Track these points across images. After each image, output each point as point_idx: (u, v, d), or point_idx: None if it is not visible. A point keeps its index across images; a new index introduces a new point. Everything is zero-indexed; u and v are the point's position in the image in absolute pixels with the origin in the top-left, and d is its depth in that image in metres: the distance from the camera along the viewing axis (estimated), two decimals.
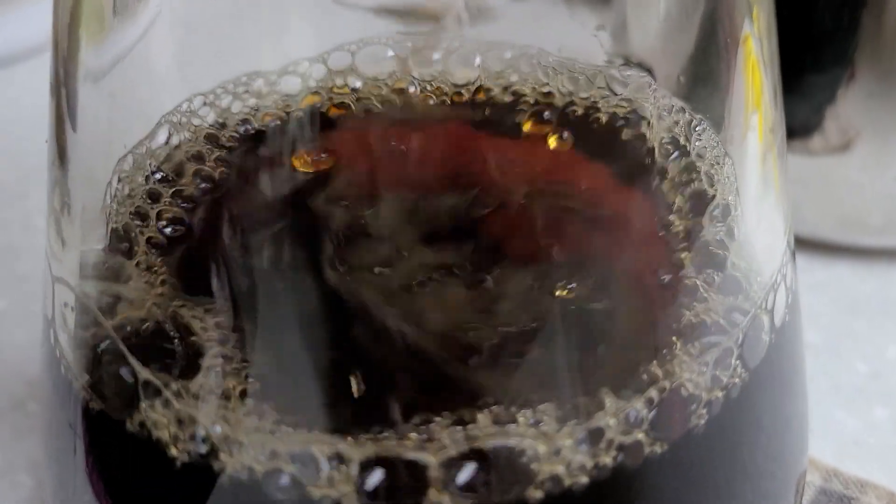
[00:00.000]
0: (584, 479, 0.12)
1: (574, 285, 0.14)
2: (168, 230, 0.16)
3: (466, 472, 0.12)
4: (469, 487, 0.12)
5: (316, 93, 0.19)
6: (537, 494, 0.12)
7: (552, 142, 0.18)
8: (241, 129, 0.18)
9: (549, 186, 0.16)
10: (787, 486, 0.17)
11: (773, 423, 0.15)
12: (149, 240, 0.15)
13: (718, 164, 0.16)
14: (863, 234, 0.30)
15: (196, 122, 0.18)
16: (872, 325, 0.28)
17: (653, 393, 0.12)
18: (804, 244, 0.31)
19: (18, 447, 0.25)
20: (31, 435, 0.25)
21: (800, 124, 0.30)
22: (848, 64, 0.28)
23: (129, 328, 0.13)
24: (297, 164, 0.17)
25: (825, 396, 0.26)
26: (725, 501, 0.15)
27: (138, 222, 0.16)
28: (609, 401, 0.12)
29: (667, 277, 0.14)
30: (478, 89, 0.19)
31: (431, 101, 0.19)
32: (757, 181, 0.15)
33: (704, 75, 0.16)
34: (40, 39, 0.44)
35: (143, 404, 0.13)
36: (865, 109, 0.28)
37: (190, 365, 0.13)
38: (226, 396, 0.13)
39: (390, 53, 0.20)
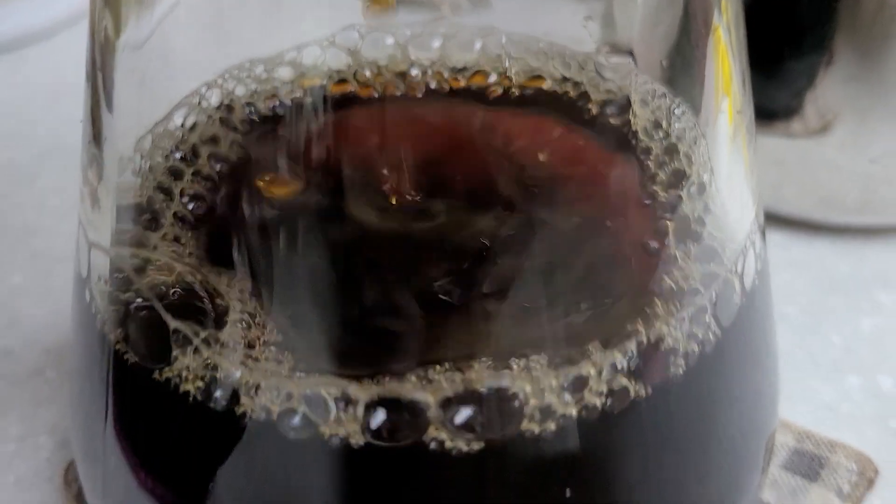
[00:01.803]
0: (574, 419, 0.14)
1: (568, 251, 0.15)
2: (187, 202, 0.17)
3: (462, 411, 0.13)
4: (464, 425, 0.13)
5: (323, 76, 0.20)
6: (527, 433, 0.14)
7: (546, 122, 0.20)
8: (250, 111, 0.19)
9: (545, 162, 0.18)
10: (758, 441, 0.18)
11: (744, 380, 0.17)
12: (170, 208, 0.17)
13: (695, 144, 0.17)
14: (841, 213, 0.31)
15: (212, 103, 0.19)
16: (848, 300, 0.29)
17: (636, 344, 0.14)
18: (785, 223, 0.32)
19: (39, 412, 0.26)
20: (50, 401, 0.26)
21: (781, 108, 0.31)
22: (826, 49, 0.29)
23: (160, 287, 0.15)
24: (304, 142, 0.18)
25: (802, 366, 0.27)
26: (701, 448, 0.16)
27: (161, 195, 0.17)
28: (596, 350, 0.14)
29: (650, 245, 0.15)
30: (475, 73, 0.21)
31: (432, 83, 0.21)
32: (728, 160, 0.16)
33: (683, 63, 0.17)
34: (49, 24, 0.45)
35: (174, 353, 0.14)
36: (843, 92, 0.29)
37: (214, 318, 0.14)
38: (247, 345, 0.14)
39: (390, 41, 0.21)
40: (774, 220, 0.32)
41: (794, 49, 0.29)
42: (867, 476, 0.23)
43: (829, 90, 0.29)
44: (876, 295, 0.29)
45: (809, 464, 0.23)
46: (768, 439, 0.19)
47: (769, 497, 0.22)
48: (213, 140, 0.19)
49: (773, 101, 0.31)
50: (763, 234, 0.18)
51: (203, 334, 0.14)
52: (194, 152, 0.18)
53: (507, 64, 0.21)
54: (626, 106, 0.19)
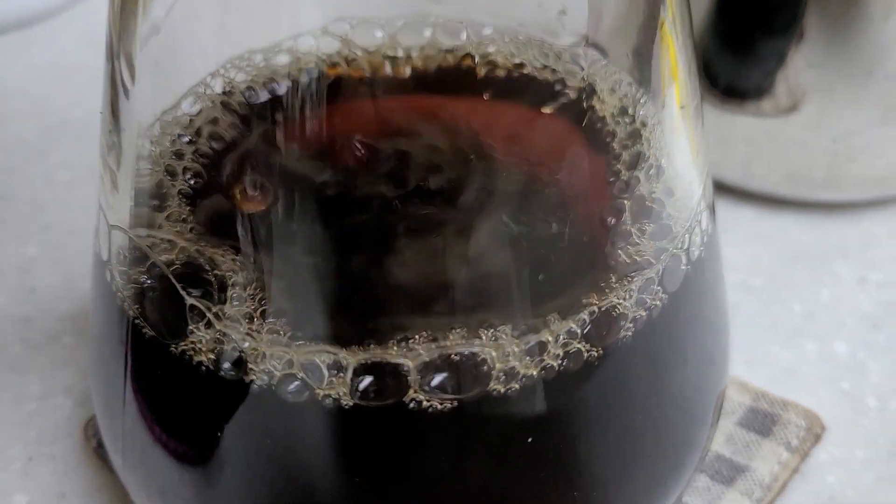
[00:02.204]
0: (535, 380, 0.16)
1: (531, 228, 0.17)
2: (194, 184, 0.19)
3: (437, 374, 0.15)
4: (439, 386, 0.15)
5: (317, 60, 0.22)
6: (494, 392, 0.16)
7: (518, 107, 0.21)
8: (249, 95, 0.21)
9: (515, 145, 0.19)
10: (708, 398, 0.20)
11: (693, 342, 0.19)
12: (180, 192, 0.19)
13: (654, 129, 0.19)
14: (807, 188, 0.33)
15: (215, 90, 0.21)
16: (810, 271, 0.31)
17: (588, 312, 0.16)
18: (754, 198, 0.34)
19: (57, 374, 0.28)
20: (67, 364, 0.28)
21: (752, 88, 0.32)
22: (797, 28, 0.30)
23: (174, 266, 0.17)
24: (299, 120, 0.20)
25: (763, 332, 0.29)
26: (653, 404, 0.18)
27: (170, 178, 0.19)
28: (554, 319, 0.16)
29: (605, 221, 0.17)
30: (463, 56, 0.23)
31: (419, 66, 0.22)
32: (677, 143, 0.18)
33: (643, 54, 0.19)
34: (54, 2, 0.46)
35: (189, 327, 0.16)
36: (811, 72, 0.31)
37: (224, 294, 0.16)
38: (252, 318, 0.16)
39: (379, 34, 0.23)
40: (744, 195, 0.34)
41: (765, 28, 0.31)
42: (814, 432, 0.25)
43: (799, 70, 0.31)
44: (836, 267, 0.31)
45: (763, 421, 0.25)
46: (718, 396, 0.21)
47: (724, 451, 0.24)
48: (216, 123, 0.20)
49: (745, 81, 0.33)
50: (712, 209, 0.19)
51: (214, 309, 0.16)
52: (201, 136, 0.20)
53: (489, 50, 0.23)
54: (593, 93, 0.21)
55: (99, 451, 0.25)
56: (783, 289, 0.31)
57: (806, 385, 0.27)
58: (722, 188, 0.34)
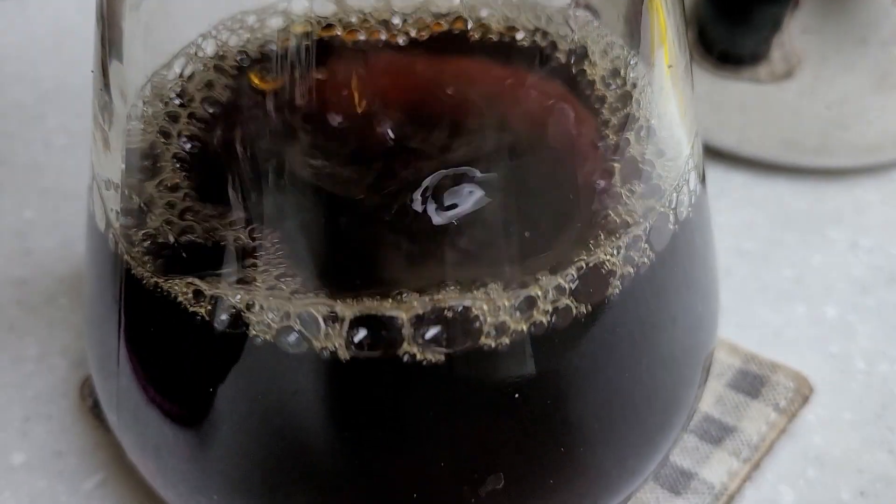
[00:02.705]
0: (525, 334, 0.16)
1: (521, 186, 0.17)
2: (185, 143, 0.19)
3: (429, 327, 0.16)
4: (432, 339, 0.16)
5: (307, 23, 0.22)
6: (485, 346, 0.16)
7: (512, 68, 0.22)
8: (240, 58, 0.21)
9: (505, 109, 0.20)
10: (696, 358, 0.20)
11: (681, 301, 0.19)
12: (172, 152, 0.19)
13: (644, 90, 0.19)
14: (800, 154, 0.33)
15: (207, 52, 0.21)
16: (802, 236, 0.31)
17: (576, 269, 0.16)
18: (747, 163, 0.34)
19: (53, 335, 0.28)
20: (63, 325, 0.29)
21: (748, 55, 0.32)
22: None
23: (168, 221, 0.17)
24: (291, 83, 0.20)
25: (754, 296, 0.29)
26: (641, 362, 0.19)
27: (162, 138, 0.19)
28: (543, 275, 0.16)
29: (595, 180, 0.18)
30: (455, 19, 0.22)
31: (412, 30, 0.22)
32: (666, 104, 0.18)
33: (634, 17, 0.19)
34: None
35: (185, 280, 0.16)
36: (805, 39, 0.31)
37: (219, 247, 0.16)
38: (248, 272, 0.16)
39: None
40: (738, 161, 0.34)
41: None
42: (802, 393, 0.25)
43: (794, 36, 0.31)
44: (827, 231, 0.32)
45: (752, 382, 0.25)
46: (706, 357, 0.21)
47: (713, 412, 0.25)
48: (209, 85, 0.21)
49: (740, 48, 0.33)
50: (701, 170, 0.19)
51: (211, 262, 0.16)
52: (191, 97, 0.20)
53: (482, 13, 0.23)
54: (585, 55, 0.21)
55: (95, 411, 0.25)
56: (775, 253, 0.31)
57: (796, 348, 0.28)
58: (716, 154, 0.34)
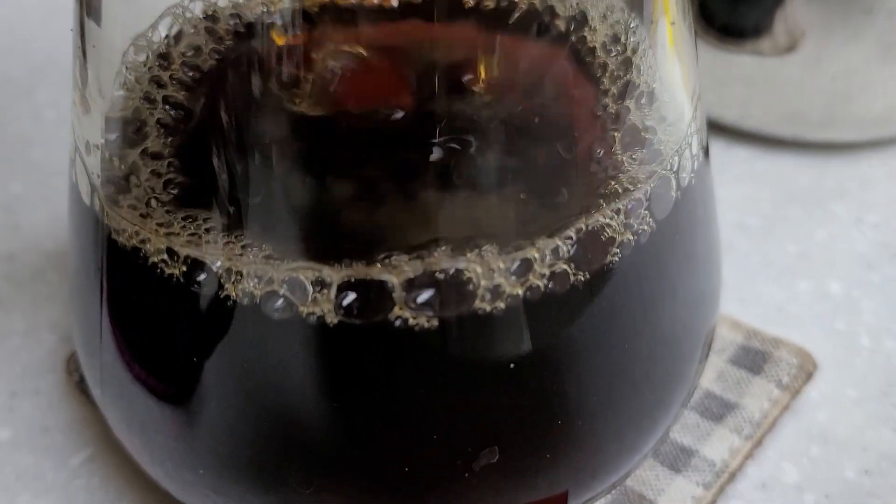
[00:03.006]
0: (519, 299, 0.15)
1: (523, 151, 0.17)
2: (169, 109, 0.18)
3: (422, 291, 0.15)
4: (424, 304, 0.15)
5: None
6: (479, 311, 0.15)
7: (511, 34, 0.21)
8: (232, 22, 0.21)
9: (502, 71, 0.19)
10: (697, 332, 0.20)
11: (682, 273, 0.18)
12: (158, 120, 0.18)
13: (645, 56, 0.18)
14: (804, 128, 0.33)
15: (192, 14, 0.21)
16: (805, 211, 0.31)
17: (574, 231, 0.15)
18: (750, 138, 0.34)
19: (41, 310, 0.28)
20: (51, 300, 0.28)
21: (750, 26, 0.32)
22: None
23: (149, 187, 0.16)
24: (281, 45, 0.19)
25: (757, 271, 0.29)
26: (640, 333, 0.18)
27: (148, 104, 0.18)
28: (540, 238, 0.15)
29: (595, 143, 0.17)
30: None
31: None
32: (668, 68, 0.18)
33: None
34: None
35: (167, 246, 0.16)
36: (811, 7, 0.30)
37: (196, 208, 0.16)
38: (232, 237, 0.16)
39: None
40: (740, 135, 0.34)
41: None
42: (806, 369, 0.25)
43: (798, 7, 0.30)
44: (832, 206, 0.31)
45: (754, 358, 0.25)
46: (707, 333, 0.20)
47: (715, 388, 0.24)
48: (195, 49, 0.20)
49: (743, 20, 0.32)
50: (704, 138, 0.19)
51: (191, 228, 0.16)
52: (174, 61, 0.19)
53: None
54: (587, 20, 0.20)
55: (81, 386, 0.25)
56: (778, 228, 0.30)
57: (799, 324, 0.27)
58: (718, 128, 0.34)
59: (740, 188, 0.32)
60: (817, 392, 0.25)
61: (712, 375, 0.25)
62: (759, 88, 0.32)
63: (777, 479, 0.23)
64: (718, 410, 0.24)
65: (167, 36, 0.20)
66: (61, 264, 0.29)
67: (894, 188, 0.32)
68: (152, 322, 0.18)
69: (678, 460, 0.23)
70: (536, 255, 0.15)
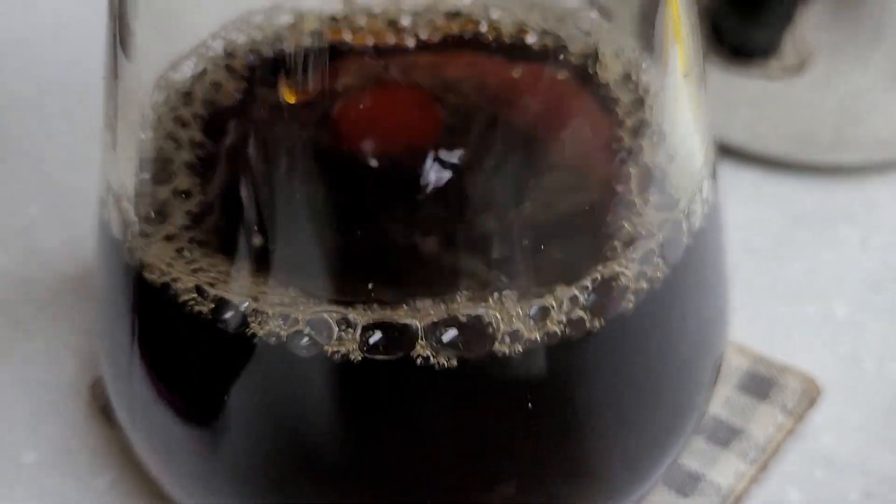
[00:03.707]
0: (538, 343, 0.16)
1: (536, 198, 0.17)
2: (195, 149, 0.19)
3: (444, 335, 0.16)
4: (446, 347, 0.16)
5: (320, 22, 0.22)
6: (499, 354, 0.16)
7: (523, 70, 0.21)
8: (249, 59, 0.21)
9: (518, 115, 0.19)
10: (706, 363, 0.20)
11: (692, 310, 0.19)
12: (185, 161, 0.19)
13: (657, 96, 0.19)
14: (812, 151, 0.33)
15: (215, 51, 0.21)
16: (813, 234, 0.31)
17: (591, 281, 0.16)
18: (759, 160, 0.34)
19: (62, 334, 0.28)
20: (71, 324, 0.29)
21: (759, 48, 0.32)
22: None
23: (179, 224, 0.17)
24: (300, 85, 0.20)
25: (764, 294, 0.29)
26: (652, 371, 0.19)
27: (172, 144, 0.19)
28: (558, 286, 0.16)
29: (609, 191, 0.17)
30: (466, 19, 0.22)
31: (421, 31, 0.22)
32: (680, 110, 0.18)
33: (648, 18, 0.19)
34: None
35: (197, 285, 0.16)
36: (820, 30, 0.30)
37: (229, 256, 0.16)
38: (261, 278, 0.16)
39: None
40: (748, 157, 0.34)
41: None
42: (810, 395, 0.25)
43: (806, 30, 0.30)
44: (839, 229, 0.31)
45: (760, 384, 0.25)
46: (716, 361, 0.21)
47: (722, 414, 0.25)
48: (217, 88, 0.20)
49: (752, 42, 0.32)
50: (714, 176, 0.19)
51: (221, 267, 0.16)
52: (197, 100, 0.20)
53: (493, 15, 0.22)
54: (599, 57, 0.20)
55: (105, 410, 0.25)
56: (785, 251, 0.31)
57: (804, 346, 0.28)
58: (726, 150, 0.34)
59: (747, 210, 0.32)
60: (821, 416, 0.26)
61: (719, 401, 0.25)
62: (767, 111, 0.33)
63: (781, 502, 0.24)
64: (725, 436, 0.24)
65: (191, 75, 0.20)
66: (81, 287, 0.30)
67: None
68: (182, 355, 0.18)
69: (686, 485, 0.23)
70: (554, 303, 0.16)
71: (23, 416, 0.26)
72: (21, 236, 0.32)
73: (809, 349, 0.27)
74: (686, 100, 0.18)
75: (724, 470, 0.24)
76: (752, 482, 0.24)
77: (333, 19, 0.22)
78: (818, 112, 0.32)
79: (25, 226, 0.32)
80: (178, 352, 0.18)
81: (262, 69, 0.21)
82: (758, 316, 0.28)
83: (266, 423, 0.18)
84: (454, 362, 0.16)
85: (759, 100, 0.33)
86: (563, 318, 0.16)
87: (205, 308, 0.17)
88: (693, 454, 0.24)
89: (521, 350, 0.16)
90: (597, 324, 0.16)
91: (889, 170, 0.33)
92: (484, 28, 0.22)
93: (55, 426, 0.26)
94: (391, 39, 0.22)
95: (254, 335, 0.16)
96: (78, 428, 0.26)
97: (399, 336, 0.16)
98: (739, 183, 0.33)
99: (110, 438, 0.25)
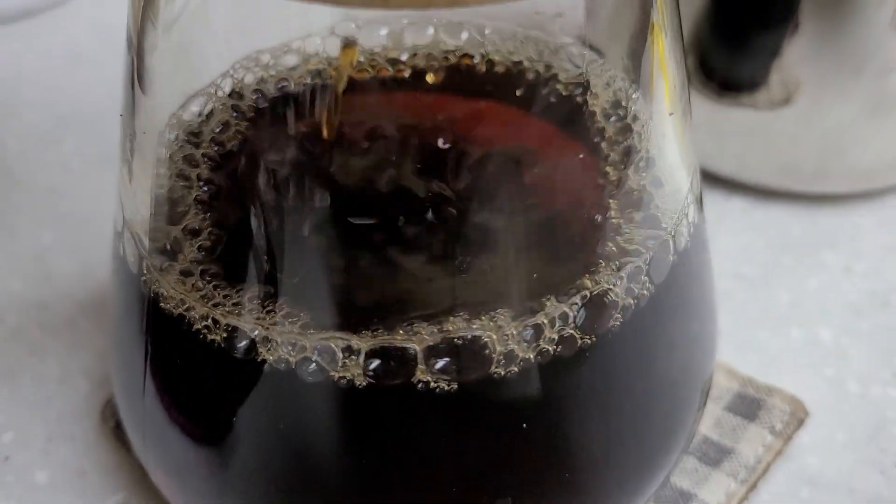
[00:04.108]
0: (531, 362, 0.17)
1: (526, 220, 0.18)
2: (204, 185, 0.20)
3: (442, 356, 0.17)
4: (443, 368, 0.17)
5: (324, 62, 0.23)
6: (494, 374, 0.17)
7: (517, 103, 0.23)
8: (256, 97, 0.22)
9: (510, 143, 0.21)
10: (695, 382, 0.21)
11: (680, 329, 0.20)
12: (196, 198, 0.20)
13: (645, 126, 0.20)
14: (797, 180, 0.34)
15: (224, 91, 0.22)
16: (798, 261, 0.32)
17: (580, 300, 0.17)
18: (746, 189, 0.35)
19: (74, 357, 0.29)
20: (84, 347, 0.29)
21: (746, 81, 0.33)
22: (791, 22, 0.31)
23: (193, 255, 0.18)
24: (308, 122, 0.21)
25: (752, 319, 0.30)
26: (642, 387, 0.20)
27: (183, 182, 0.20)
28: (549, 304, 0.17)
29: (598, 214, 0.19)
30: (463, 55, 0.24)
31: (421, 64, 0.23)
32: (666, 140, 0.19)
33: (636, 54, 0.20)
34: None
35: (210, 314, 0.17)
36: (804, 65, 0.32)
37: (240, 288, 0.17)
38: (269, 308, 0.17)
39: (384, 32, 0.24)
40: (736, 186, 0.35)
41: (760, 23, 0.32)
42: (798, 417, 0.26)
43: (792, 64, 0.32)
44: (823, 256, 0.33)
45: (749, 406, 0.26)
46: (704, 382, 0.22)
47: (712, 434, 0.26)
48: (224, 126, 0.21)
49: (740, 75, 0.34)
50: (699, 201, 0.20)
51: (234, 298, 0.17)
52: (206, 139, 0.21)
53: (488, 48, 0.24)
54: (589, 90, 0.22)
55: (117, 432, 0.26)
56: (772, 277, 0.32)
57: (791, 370, 0.28)
58: (715, 179, 0.35)
59: (737, 238, 0.33)
60: (808, 437, 0.26)
61: (710, 422, 0.26)
62: (754, 141, 0.34)
63: None
64: (715, 455, 0.25)
65: (199, 114, 0.22)
66: (93, 312, 0.31)
67: (883, 238, 0.33)
68: (194, 380, 0.19)
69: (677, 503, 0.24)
70: (546, 321, 0.17)
71: (36, 437, 0.27)
72: (35, 263, 0.33)
73: (796, 372, 0.28)
74: (672, 129, 0.19)
75: (715, 489, 0.24)
76: (742, 501, 0.24)
77: (338, 58, 0.23)
78: (803, 144, 0.33)
79: (39, 253, 0.33)
80: (190, 377, 0.19)
81: (268, 107, 0.22)
82: (747, 340, 0.29)
83: (275, 445, 0.18)
84: (454, 384, 0.17)
85: (747, 131, 0.34)
86: (555, 336, 0.17)
87: (217, 336, 0.18)
88: (685, 473, 0.25)
89: (516, 370, 0.17)
90: (587, 339, 0.17)
91: (872, 198, 0.35)
92: (480, 62, 0.23)
93: (67, 447, 0.26)
94: (392, 75, 0.24)
95: (263, 361, 0.17)
96: (89, 449, 0.26)
97: (400, 358, 0.17)
98: (729, 211, 0.34)
99: (121, 459, 0.26)
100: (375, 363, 0.17)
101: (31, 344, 0.30)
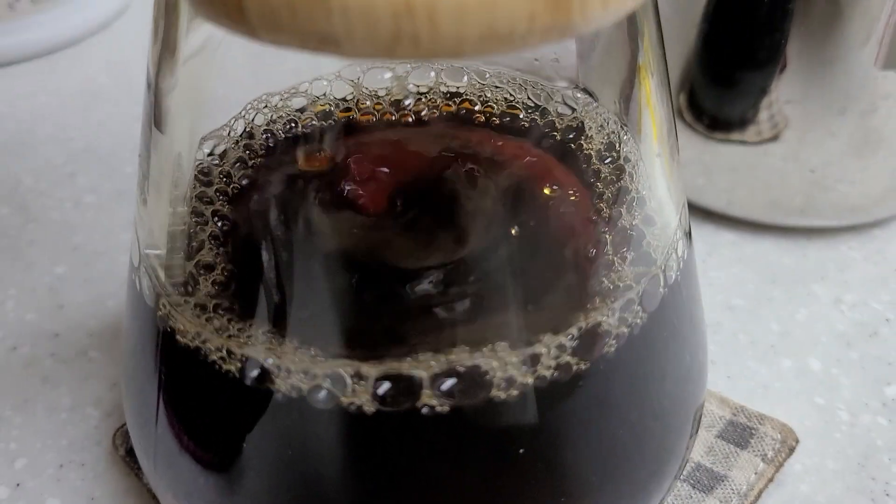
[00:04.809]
0: (530, 387, 0.18)
1: (525, 259, 0.19)
2: (218, 222, 0.21)
3: (447, 383, 0.17)
4: (449, 394, 0.18)
5: (337, 105, 0.24)
6: (496, 398, 0.18)
7: (514, 145, 0.24)
8: (264, 138, 0.23)
9: (506, 185, 0.22)
10: (687, 410, 0.22)
11: (671, 357, 0.21)
12: (211, 234, 0.21)
13: (636, 166, 0.21)
14: (786, 215, 0.35)
15: (236, 132, 0.23)
16: (788, 292, 0.33)
17: (576, 329, 0.18)
18: (737, 223, 0.36)
19: (85, 386, 0.30)
20: (95, 377, 0.30)
21: (735, 120, 0.35)
22: (778, 64, 0.32)
23: (206, 289, 0.19)
24: (313, 160, 0.22)
25: (743, 350, 0.31)
26: (636, 414, 0.20)
27: (197, 218, 0.21)
28: (546, 335, 0.18)
29: (592, 252, 0.20)
30: (463, 99, 0.25)
31: (421, 110, 0.25)
32: (655, 178, 0.20)
33: (626, 95, 0.21)
34: (79, 31, 0.48)
35: (223, 346, 0.18)
36: (792, 105, 0.33)
37: (251, 315, 0.18)
38: (281, 337, 0.18)
39: (388, 75, 0.25)
40: (727, 220, 0.36)
41: (748, 65, 0.33)
42: (788, 444, 0.27)
43: (779, 104, 0.33)
44: (813, 288, 0.33)
45: (741, 433, 0.27)
46: (696, 409, 0.23)
47: (705, 461, 0.27)
48: (238, 164, 0.23)
49: (729, 113, 0.35)
50: (688, 236, 0.21)
51: (247, 331, 0.18)
52: (222, 177, 0.22)
53: (487, 93, 0.25)
54: (583, 132, 0.23)
55: (127, 459, 0.27)
56: (763, 309, 0.33)
57: (783, 399, 0.29)
58: (706, 214, 0.36)
59: (728, 270, 0.34)
60: (800, 464, 0.27)
61: (702, 449, 0.27)
62: (744, 177, 0.35)
63: None
64: (708, 482, 0.26)
65: (213, 153, 0.23)
66: (104, 343, 0.31)
67: (870, 269, 0.34)
68: (208, 409, 0.20)
69: None
70: (544, 350, 0.18)
71: (47, 465, 0.28)
72: (49, 294, 0.34)
73: (787, 401, 0.29)
74: (660, 167, 0.20)
75: None
76: None
77: (344, 100, 0.24)
78: (791, 180, 0.34)
79: (52, 285, 0.34)
80: (204, 405, 0.20)
81: (278, 147, 0.23)
82: (739, 370, 0.30)
83: (286, 471, 0.19)
84: (456, 409, 0.18)
85: (736, 167, 0.35)
86: (553, 364, 0.18)
87: (232, 367, 0.19)
88: (679, 500, 0.26)
89: (516, 394, 0.18)
90: (582, 367, 0.18)
91: (859, 231, 0.36)
92: (479, 106, 0.25)
93: (78, 474, 0.27)
94: (395, 118, 0.25)
95: (277, 389, 0.18)
96: (100, 476, 0.27)
97: (407, 385, 0.18)
98: (720, 244, 0.35)
99: (130, 486, 0.27)
100: (384, 388, 0.18)
101: (44, 373, 0.31)
